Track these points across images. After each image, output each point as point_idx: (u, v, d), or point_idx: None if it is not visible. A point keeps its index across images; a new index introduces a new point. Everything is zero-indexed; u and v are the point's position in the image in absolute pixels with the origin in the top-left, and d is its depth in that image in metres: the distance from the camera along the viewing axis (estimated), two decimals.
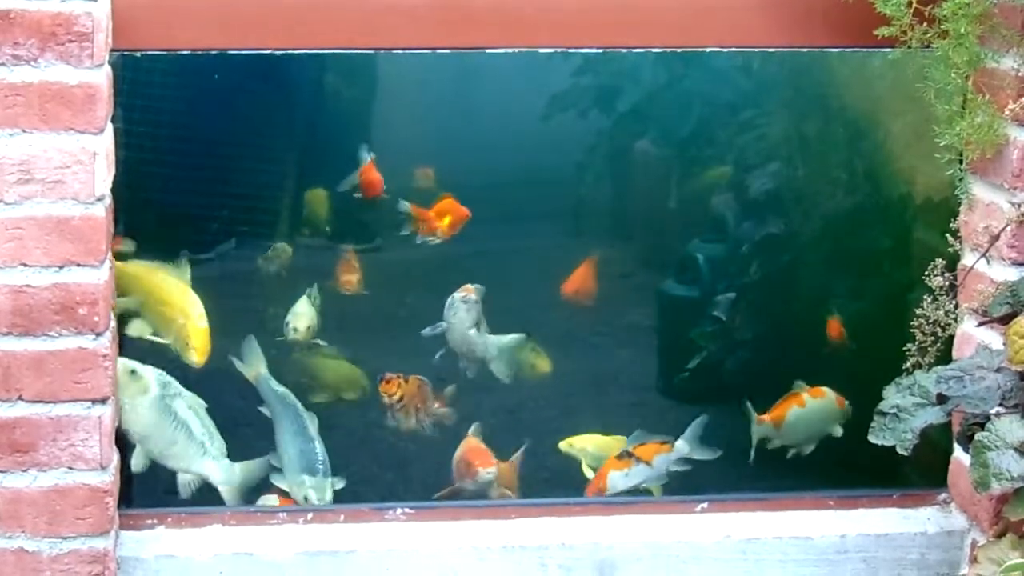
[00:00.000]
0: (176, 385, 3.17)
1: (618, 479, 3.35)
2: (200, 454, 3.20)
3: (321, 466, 3.28)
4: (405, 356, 3.51)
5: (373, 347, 3.59)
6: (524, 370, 3.58)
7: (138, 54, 2.88)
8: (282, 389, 3.36)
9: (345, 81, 3.64)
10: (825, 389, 3.48)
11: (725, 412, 3.70)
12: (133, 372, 3.08)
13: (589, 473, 3.41)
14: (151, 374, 3.12)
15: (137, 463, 3.14)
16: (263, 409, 3.36)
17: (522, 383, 3.54)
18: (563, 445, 3.45)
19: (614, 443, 3.42)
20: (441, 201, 3.59)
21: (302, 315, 3.51)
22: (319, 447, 3.30)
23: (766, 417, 3.45)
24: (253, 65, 3.04)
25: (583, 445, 3.46)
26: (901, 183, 3.51)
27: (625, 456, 3.36)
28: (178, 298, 3.27)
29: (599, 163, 3.76)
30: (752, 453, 3.44)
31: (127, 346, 3.10)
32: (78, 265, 2.70)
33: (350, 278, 3.60)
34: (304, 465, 3.27)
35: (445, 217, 3.59)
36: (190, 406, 3.18)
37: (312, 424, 3.32)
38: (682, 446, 3.40)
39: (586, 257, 3.63)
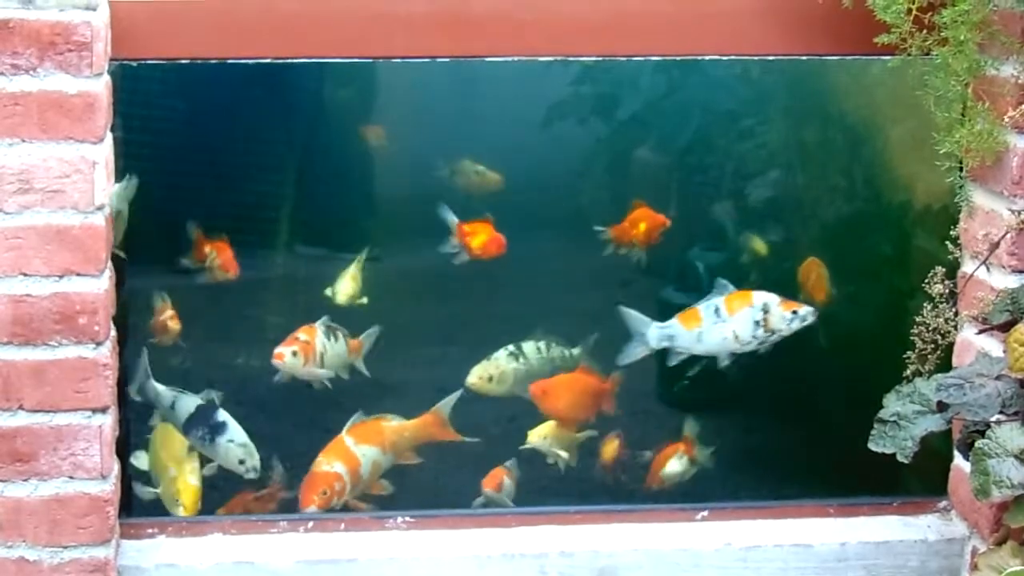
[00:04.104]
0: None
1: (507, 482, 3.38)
2: None
3: None
4: None
5: None
6: None
7: (135, 63, 2.88)
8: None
9: (344, 90, 3.65)
10: None
11: (725, 419, 3.71)
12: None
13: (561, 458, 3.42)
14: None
15: None
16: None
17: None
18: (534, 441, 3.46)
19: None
20: (635, 211, 3.58)
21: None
22: None
23: None
24: (252, 74, 3.04)
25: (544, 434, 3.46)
26: (901, 190, 3.51)
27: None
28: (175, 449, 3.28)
29: (598, 171, 3.76)
30: None
31: None
32: (78, 274, 2.70)
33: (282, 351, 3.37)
34: None
35: (640, 224, 3.58)
36: None
37: None
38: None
39: None
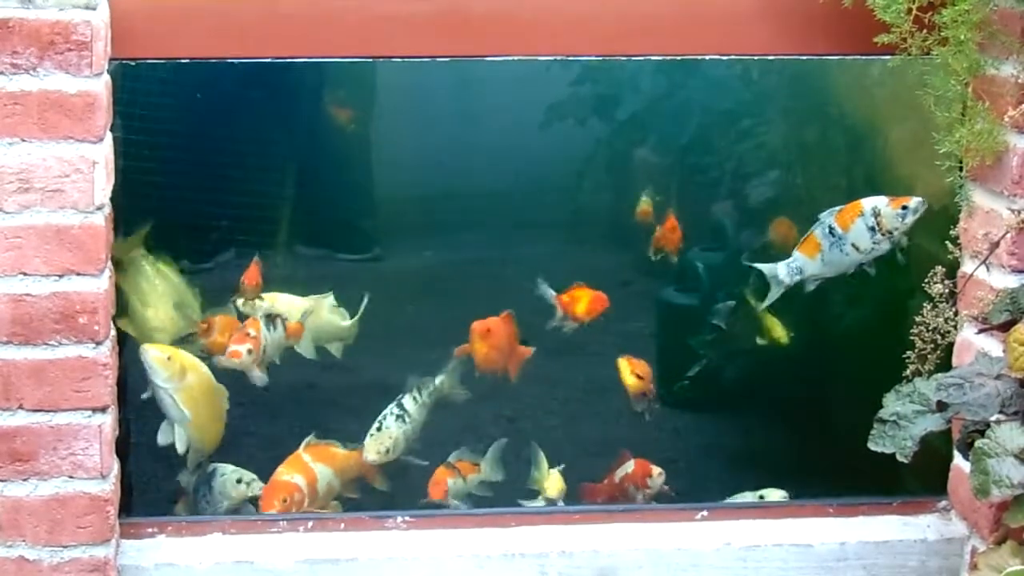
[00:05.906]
0: None
1: (451, 485, 3.36)
2: None
3: None
4: None
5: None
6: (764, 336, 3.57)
7: (135, 63, 2.88)
8: None
9: (344, 89, 3.65)
10: None
11: (725, 419, 3.71)
12: None
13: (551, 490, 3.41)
14: None
15: None
16: None
17: (521, 391, 3.53)
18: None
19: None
20: (670, 218, 3.62)
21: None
22: None
23: None
24: (252, 73, 3.04)
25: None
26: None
27: (450, 467, 3.38)
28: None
29: (598, 171, 3.76)
30: None
31: None
32: (78, 274, 2.70)
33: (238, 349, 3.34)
34: None
35: (674, 233, 3.64)
36: None
37: None
38: (485, 469, 3.41)
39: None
